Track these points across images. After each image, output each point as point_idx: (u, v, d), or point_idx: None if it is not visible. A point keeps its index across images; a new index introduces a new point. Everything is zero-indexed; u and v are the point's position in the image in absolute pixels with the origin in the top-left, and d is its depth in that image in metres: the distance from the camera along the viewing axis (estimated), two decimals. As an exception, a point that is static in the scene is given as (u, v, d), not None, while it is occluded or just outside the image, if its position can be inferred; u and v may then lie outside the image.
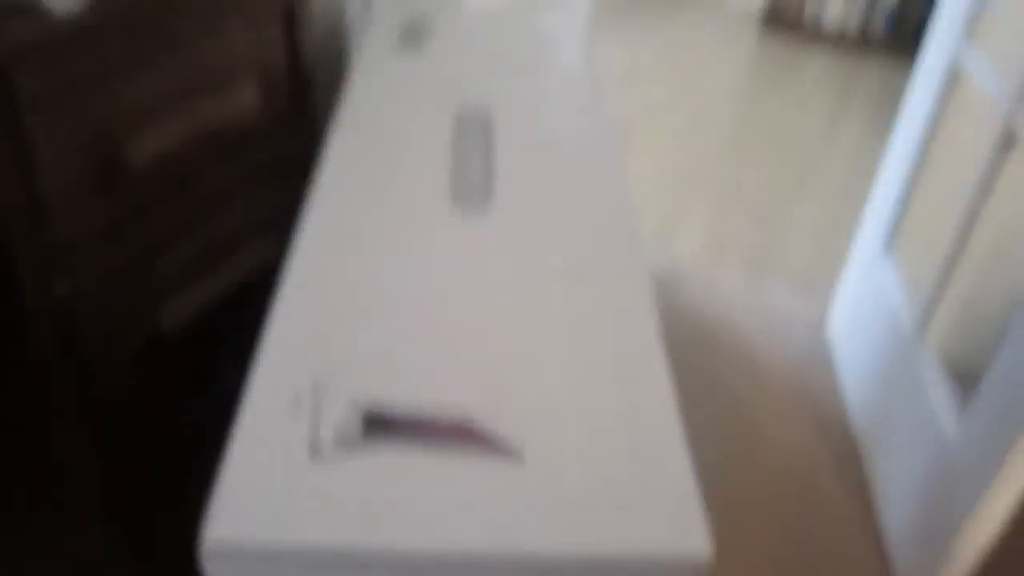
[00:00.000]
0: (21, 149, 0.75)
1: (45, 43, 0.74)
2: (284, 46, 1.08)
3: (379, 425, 0.64)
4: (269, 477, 0.60)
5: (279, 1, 1.04)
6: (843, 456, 1.51)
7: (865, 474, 1.47)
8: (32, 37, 0.73)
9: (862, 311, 1.62)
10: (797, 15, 3.44)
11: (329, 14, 1.36)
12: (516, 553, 0.57)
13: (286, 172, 1.14)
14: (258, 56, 1.03)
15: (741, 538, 1.35)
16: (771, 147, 2.60)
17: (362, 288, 0.78)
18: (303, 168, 1.14)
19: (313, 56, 1.15)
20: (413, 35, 1.27)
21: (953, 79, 1.37)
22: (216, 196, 1.02)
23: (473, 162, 0.98)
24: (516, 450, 0.63)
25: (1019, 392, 1.03)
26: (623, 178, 0.97)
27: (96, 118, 0.82)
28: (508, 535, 0.57)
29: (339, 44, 1.41)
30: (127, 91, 0.85)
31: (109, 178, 0.85)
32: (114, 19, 0.80)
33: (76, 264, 0.84)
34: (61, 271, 0.82)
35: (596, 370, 0.71)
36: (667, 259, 2.02)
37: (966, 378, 1.26)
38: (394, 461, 0.61)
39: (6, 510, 1.02)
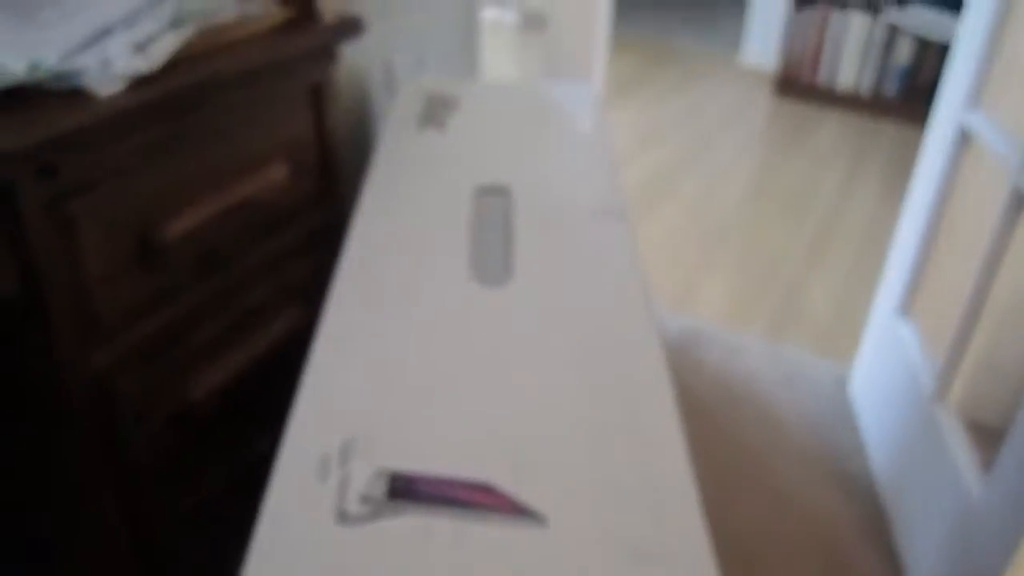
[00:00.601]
0: (64, 229, 0.79)
1: (88, 127, 0.78)
2: (311, 124, 1.13)
3: (404, 489, 0.66)
4: (298, 541, 0.62)
5: (307, 82, 1.10)
6: (867, 513, 1.49)
7: (890, 532, 1.45)
8: (76, 122, 0.77)
9: (883, 370, 1.62)
10: (810, 78, 3.50)
11: (354, 92, 1.41)
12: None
13: (315, 245, 1.18)
14: (288, 135, 1.08)
15: (769, 602, 1.34)
16: (788, 208, 2.62)
17: (387, 357, 0.81)
18: (331, 241, 1.17)
19: (339, 133, 1.20)
20: (434, 111, 1.32)
21: (963, 141, 1.40)
22: (248, 269, 1.06)
23: (493, 236, 1.01)
24: (538, 513, 0.65)
25: (1041, 450, 1.03)
26: (636, 248, 0.99)
27: (134, 199, 0.87)
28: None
29: (364, 121, 1.46)
30: (164, 174, 0.90)
31: (146, 256, 0.89)
32: (152, 104, 0.85)
33: (114, 337, 0.88)
34: (100, 344, 0.86)
35: (612, 434, 0.73)
36: (687, 319, 2.04)
37: (988, 434, 1.26)
38: (419, 524, 0.63)
39: (33, 566, 1.04)
